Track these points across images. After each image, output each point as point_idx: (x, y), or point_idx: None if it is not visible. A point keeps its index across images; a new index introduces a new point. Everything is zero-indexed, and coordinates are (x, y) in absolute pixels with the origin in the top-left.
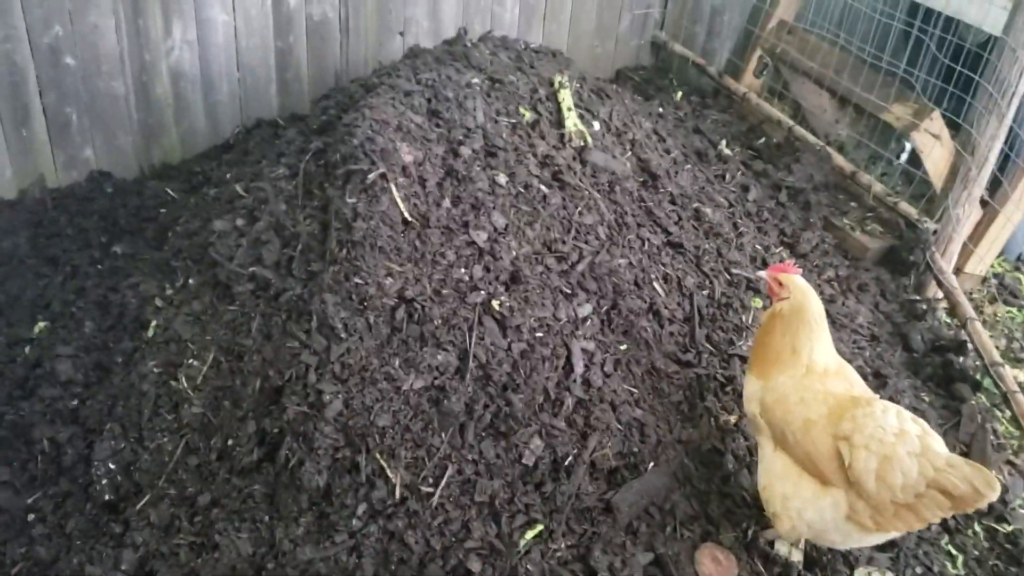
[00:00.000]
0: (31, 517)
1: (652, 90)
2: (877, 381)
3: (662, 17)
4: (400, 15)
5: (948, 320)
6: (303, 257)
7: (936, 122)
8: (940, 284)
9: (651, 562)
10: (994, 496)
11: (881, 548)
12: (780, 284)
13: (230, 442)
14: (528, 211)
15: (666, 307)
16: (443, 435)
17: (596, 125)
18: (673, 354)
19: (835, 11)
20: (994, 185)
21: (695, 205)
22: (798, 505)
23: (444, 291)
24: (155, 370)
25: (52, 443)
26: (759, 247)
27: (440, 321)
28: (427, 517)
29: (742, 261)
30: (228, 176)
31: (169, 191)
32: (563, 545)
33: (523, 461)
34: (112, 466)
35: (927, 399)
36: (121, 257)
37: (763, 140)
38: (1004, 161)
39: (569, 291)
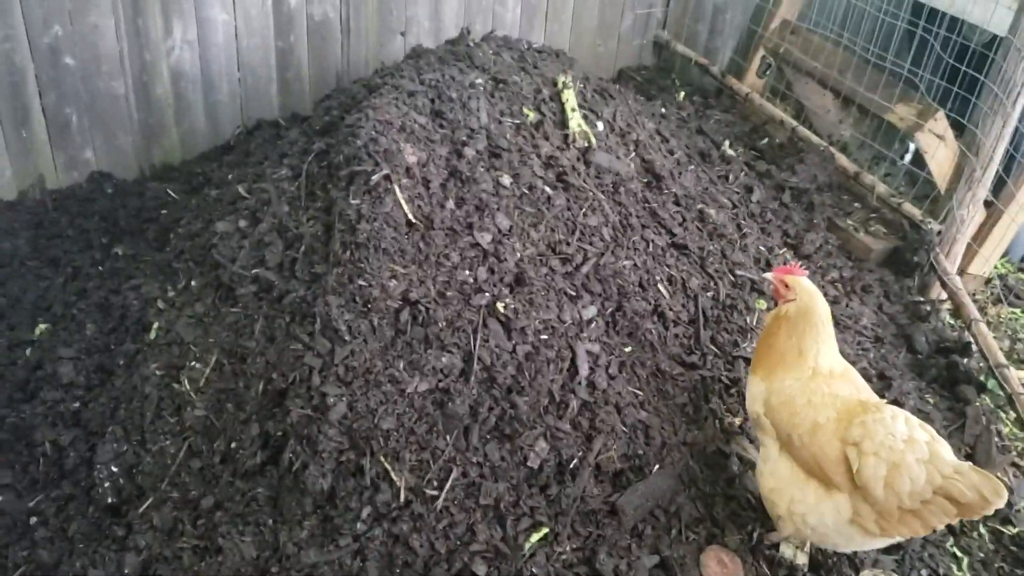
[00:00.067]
0: (33, 520)
1: (655, 90)
2: (881, 383)
3: (664, 16)
4: (401, 15)
5: (952, 321)
6: (306, 259)
7: (940, 123)
8: (944, 285)
9: (656, 565)
10: (1001, 503)
11: (886, 551)
12: (786, 286)
13: (233, 445)
14: (532, 212)
15: (671, 309)
16: (448, 438)
17: (600, 126)
18: (678, 356)
19: (838, 11)
20: (998, 186)
21: (699, 206)
22: (802, 508)
23: (448, 293)
24: (157, 372)
25: (54, 446)
26: (763, 248)
27: (444, 323)
28: (432, 520)
29: (746, 262)
30: (230, 177)
31: (170, 192)
32: (568, 548)
33: (528, 464)
34: (114, 469)
35: (931, 401)
36: (122, 258)
37: (766, 141)
38: (1009, 162)
39: (573, 293)
